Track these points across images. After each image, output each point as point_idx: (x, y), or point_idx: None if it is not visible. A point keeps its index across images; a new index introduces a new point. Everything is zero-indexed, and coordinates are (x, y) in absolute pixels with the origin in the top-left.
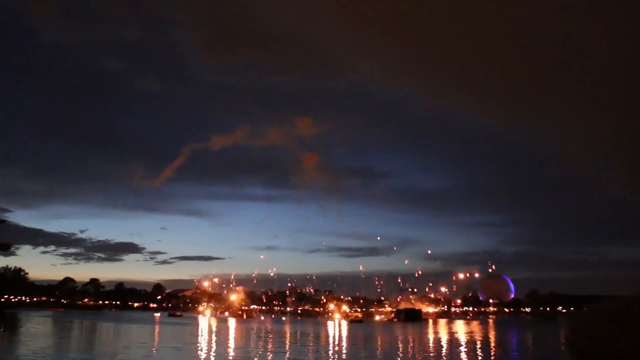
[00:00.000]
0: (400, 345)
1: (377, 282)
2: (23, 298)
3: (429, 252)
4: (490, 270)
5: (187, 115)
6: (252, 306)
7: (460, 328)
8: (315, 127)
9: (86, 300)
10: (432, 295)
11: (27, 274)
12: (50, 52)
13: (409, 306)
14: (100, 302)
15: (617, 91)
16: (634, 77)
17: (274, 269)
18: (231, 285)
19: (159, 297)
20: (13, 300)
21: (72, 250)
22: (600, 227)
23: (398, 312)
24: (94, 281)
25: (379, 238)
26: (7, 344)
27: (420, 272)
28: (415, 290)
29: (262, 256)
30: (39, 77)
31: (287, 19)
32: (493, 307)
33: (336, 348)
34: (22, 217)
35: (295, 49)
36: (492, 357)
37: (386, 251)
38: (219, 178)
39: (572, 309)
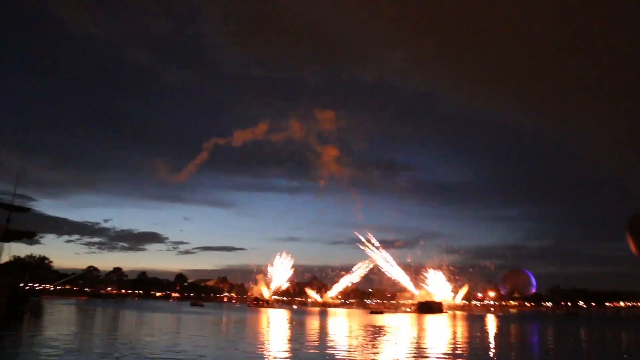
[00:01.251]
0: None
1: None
2: (47, 286)
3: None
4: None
5: (213, 106)
6: (272, 297)
7: (481, 321)
8: (339, 120)
9: (109, 289)
10: (453, 288)
11: (51, 262)
12: (78, 43)
13: (428, 299)
14: (123, 291)
15: None
16: None
17: (291, 272)
18: (253, 276)
19: (176, 288)
20: (37, 288)
21: (96, 239)
22: (623, 222)
23: (418, 305)
24: (117, 270)
25: (396, 243)
26: (32, 331)
27: (441, 265)
28: (435, 282)
29: (279, 254)
30: (67, 68)
31: (315, 12)
32: (514, 301)
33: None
34: (47, 206)
35: (322, 41)
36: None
37: (409, 244)
38: (242, 169)
39: (593, 304)
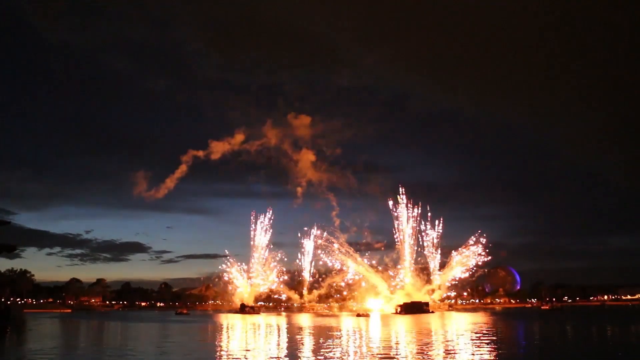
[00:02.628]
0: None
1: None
2: (29, 300)
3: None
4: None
5: (192, 113)
6: (258, 303)
7: (466, 319)
8: (317, 124)
9: (93, 300)
10: (438, 288)
11: (33, 275)
12: (55, 51)
13: (414, 299)
14: (107, 302)
15: (620, 83)
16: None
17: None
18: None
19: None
20: (19, 302)
21: (78, 251)
22: (604, 217)
23: (403, 305)
24: (100, 281)
25: (375, 245)
26: (15, 345)
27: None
28: (420, 282)
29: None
30: (43, 77)
31: (292, 17)
32: (499, 298)
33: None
34: (27, 219)
35: (299, 46)
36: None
37: (390, 245)
38: (222, 176)
39: (577, 298)
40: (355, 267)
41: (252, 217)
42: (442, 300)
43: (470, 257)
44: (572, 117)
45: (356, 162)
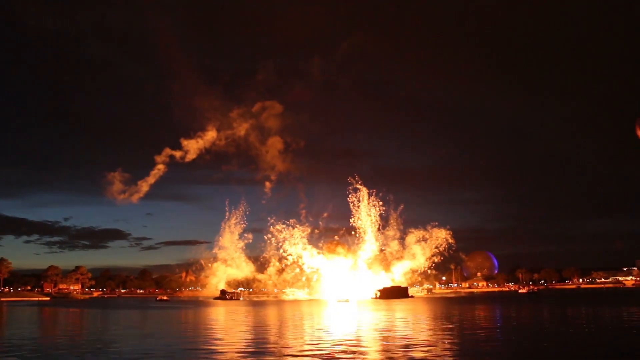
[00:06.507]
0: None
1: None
2: (6, 288)
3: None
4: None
5: (170, 99)
6: (239, 289)
7: (443, 304)
8: (290, 111)
9: (72, 288)
10: (417, 273)
11: (10, 263)
12: (32, 37)
13: (393, 284)
14: (86, 289)
15: (600, 68)
16: (618, 54)
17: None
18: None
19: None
20: None
21: (56, 238)
22: (580, 201)
23: (383, 290)
24: (79, 269)
25: (339, 230)
26: None
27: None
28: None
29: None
30: (21, 63)
31: (266, 4)
32: (477, 282)
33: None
34: (4, 207)
35: (277, 31)
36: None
37: (356, 232)
38: (202, 162)
39: (553, 282)
40: (311, 261)
41: (226, 205)
42: (420, 284)
43: (430, 243)
44: (548, 103)
45: (334, 148)
